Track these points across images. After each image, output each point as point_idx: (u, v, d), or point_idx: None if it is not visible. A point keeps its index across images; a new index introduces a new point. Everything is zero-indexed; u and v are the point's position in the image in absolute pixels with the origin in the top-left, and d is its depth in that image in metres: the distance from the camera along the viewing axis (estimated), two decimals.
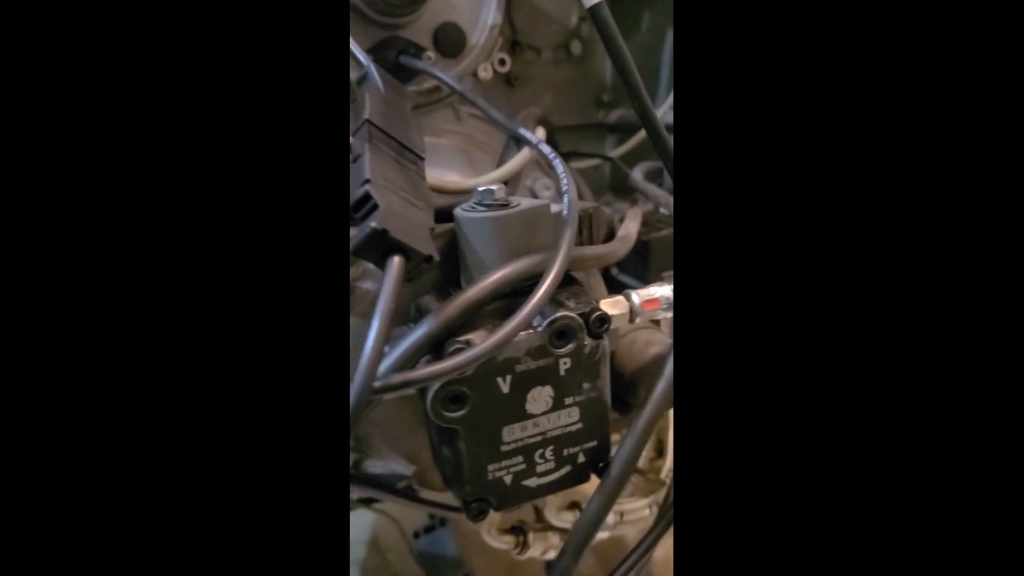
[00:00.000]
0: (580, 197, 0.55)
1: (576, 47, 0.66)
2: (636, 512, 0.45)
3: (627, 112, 0.66)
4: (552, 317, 0.31)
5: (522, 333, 0.31)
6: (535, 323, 0.31)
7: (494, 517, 0.40)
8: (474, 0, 0.52)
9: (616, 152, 0.60)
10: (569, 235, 0.32)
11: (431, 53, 0.51)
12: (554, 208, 0.34)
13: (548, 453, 0.33)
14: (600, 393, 0.34)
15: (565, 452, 0.34)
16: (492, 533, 0.40)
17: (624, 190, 0.68)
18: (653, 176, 0.60)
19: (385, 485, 0.44)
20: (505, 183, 0.38)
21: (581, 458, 0.34)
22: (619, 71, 0.33)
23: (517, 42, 0.64)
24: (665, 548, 0.86)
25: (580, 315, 0.32)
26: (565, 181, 0.35)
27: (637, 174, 0.57)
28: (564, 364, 0.32)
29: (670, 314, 0.37)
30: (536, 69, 0.66)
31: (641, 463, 0.62)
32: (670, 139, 0.36)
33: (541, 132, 0.45)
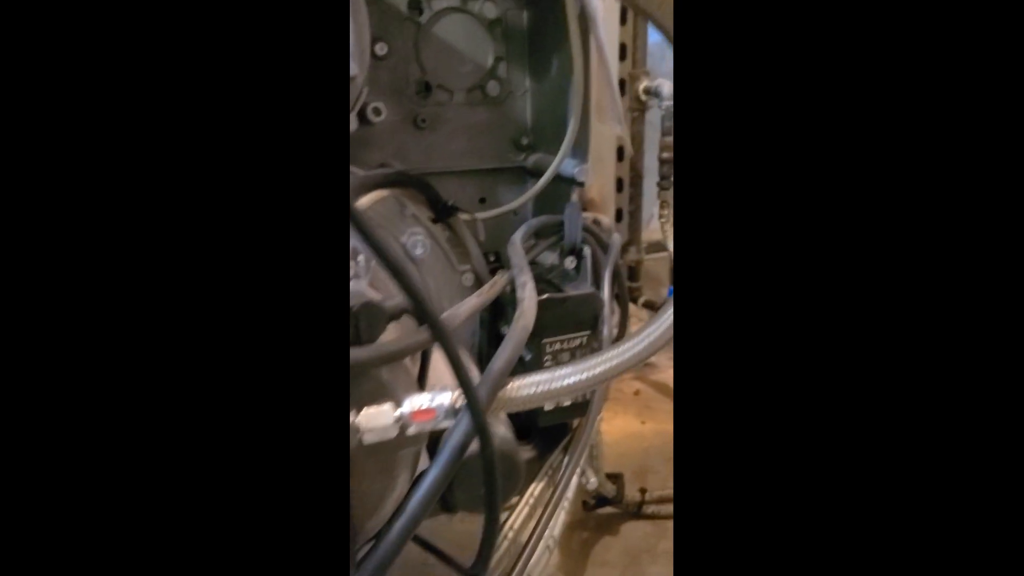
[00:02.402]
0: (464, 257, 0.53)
1: (493, 88, 0.63)
2: None
3: (545, 156, 0.62)
4: None
5: None
6: None
7: None
8: None
9: (510, 206, 0.57)
10: None
11: None
12: None
13: None
14: None
15: None
16: None
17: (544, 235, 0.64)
18: (547, 232, 0.57)
19: None
20: None
21: None
22: None
23: (427, 83, 0.61)
24: None
25: None
26: None
27: (518, 235, 0.53)
28: None
29: (449, 422, 0.34)
30: (448, 111, 0.63)
31: None
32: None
33: (372, 196, 0.42)
